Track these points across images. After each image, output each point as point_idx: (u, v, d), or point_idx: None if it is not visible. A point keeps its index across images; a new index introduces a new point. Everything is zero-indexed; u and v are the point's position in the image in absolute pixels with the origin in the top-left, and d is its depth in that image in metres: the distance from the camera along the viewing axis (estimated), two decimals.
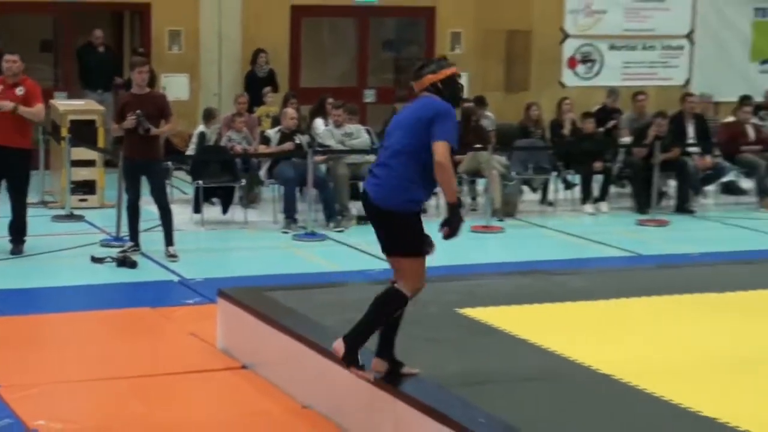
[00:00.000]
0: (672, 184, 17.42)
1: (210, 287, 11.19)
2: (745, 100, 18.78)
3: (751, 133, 17.87)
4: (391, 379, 7.67)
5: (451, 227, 7.65)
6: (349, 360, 7.78)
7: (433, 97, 7.72)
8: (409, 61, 21.67)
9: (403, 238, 7.76)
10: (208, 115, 17.00)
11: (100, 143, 16.44)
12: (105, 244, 13.93)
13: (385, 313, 7.80)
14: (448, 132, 7.55)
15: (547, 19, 21.50)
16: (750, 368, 8.34)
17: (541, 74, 21.47)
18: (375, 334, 7.86)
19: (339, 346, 7.80)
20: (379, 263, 12.98)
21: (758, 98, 19.94)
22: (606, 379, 7.95)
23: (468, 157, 16.45)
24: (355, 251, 13.94)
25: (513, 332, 8.98)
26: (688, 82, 21.71)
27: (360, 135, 16.36)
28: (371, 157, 15.94)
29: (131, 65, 14.30)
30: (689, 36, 22.27)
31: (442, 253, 14.24)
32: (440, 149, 7.49)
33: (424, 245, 7.79)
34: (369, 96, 20.80)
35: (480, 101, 18.15)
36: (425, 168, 7.62)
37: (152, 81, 15.31)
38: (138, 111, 12.78)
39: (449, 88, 7.77)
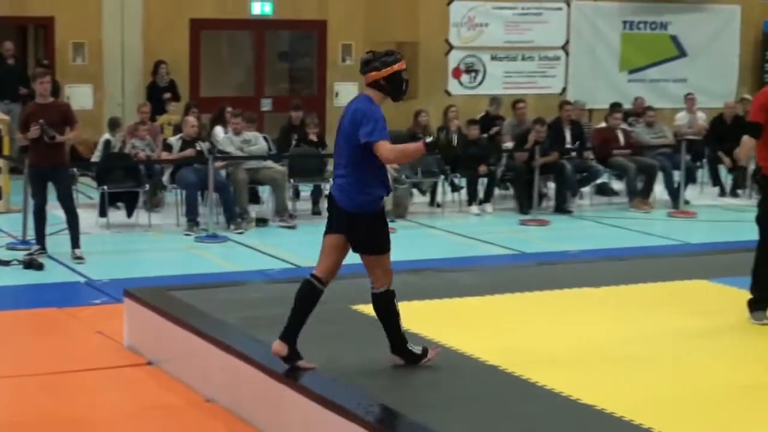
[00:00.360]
0: (551, 186, 17.56)
1: (116, 287, 11.07)
2: (615, 107, 18.97)
3: (621, 138, 18.06)
4: (290, 372, 7.64)
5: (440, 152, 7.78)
6: (415, 359, 8.00)
7: (369, 97, 7.80)
8: (303, 72, 21.70)
9: (368, 238, 7.85)
10: (113, 124, 16.85)
11: (6, 151, 16.22)
12: (11, 247, 13.72)
13: (391, 313, 8.01)
14: (376, 129, 7.59)
15: (433, 31, 21.58)
16: (623, 358, 8.42)
17: (428, 84, 21.53)
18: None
19: (394, 359, 8.01)
20: (278, 263, 12.96)
21: (627, 105, 20.19)
22: (493, 370, 7.97)
23: None
24: (255, 252, 13.88)
25: (405, 327, 8.97)
26: (564, 90, 21.92)
27: (258, 142, 16.35)
28: (269, 163, 15.97)
29: (33, 76, 14.13)
30: (565, 47, 22.49)
31: None
32: (381, 151, 7.57)
33: (387, 243, 7.92)
34: (266, 105, 20.75)
35: None
36: (375, 168, 7.75)
37: (56, 91, 15.15)
38: (41, 120, 12.59)
39: (392, 84, 7.81)
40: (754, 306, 9.31)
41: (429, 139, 7.86)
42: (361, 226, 7.80)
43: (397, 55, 7.91)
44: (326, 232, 7.99)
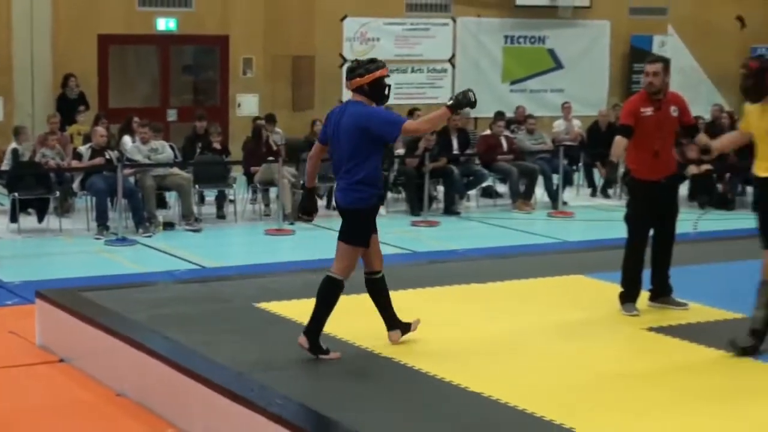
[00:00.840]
0: (440, 190, 17.62)
1: (28, 289, 10.86)
2: (498, 115, 19.10)
3: (504, 144, 18.19)
4: (198, 367, 7.57)
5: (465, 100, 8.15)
6: (315, 350, 7.96)
7: (361, 102, 7.99)
8: (207, 84, 21.56)
9: (349, 229, 8.11)
10: (17, 133, 16.53)
11: None
12: None
13: (324, 298, 8.08)
14: (391, 120, 7.94)
15: (328, 46, 21.57)
16: (509, 348, 8.48)
17: (323, 94, 21.51)
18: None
19: (302, 340, 7.98)
20: (184, 264, 12.84)
21: (509, 114, 20.32)
22: (388, 361, 7.98)
23: (262, 169, 16.39)
24: (162, 254, 13.73)
25: (305, 322, 8.94)
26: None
27: (164, 150, 16.22)
28: (175, 170, 15.84)
29: None
30: (451, 60, 22.58)
31: (241, 255, 14.21)
32: (411, 127, 8.06)
33: (364, 238, 8.14)
34: (171, 115, 20.59)
35: (270, 119, 18.07)
36: (372, 169, 8.00)
37: None
38: None
39: (374, 90, 8.00)
40: (625, 299, 9.46)
41: (450, 102, 8.05)
42: (350, 219, 8.08)
43: (379, 62, 8.12)
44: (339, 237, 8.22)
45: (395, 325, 8.41)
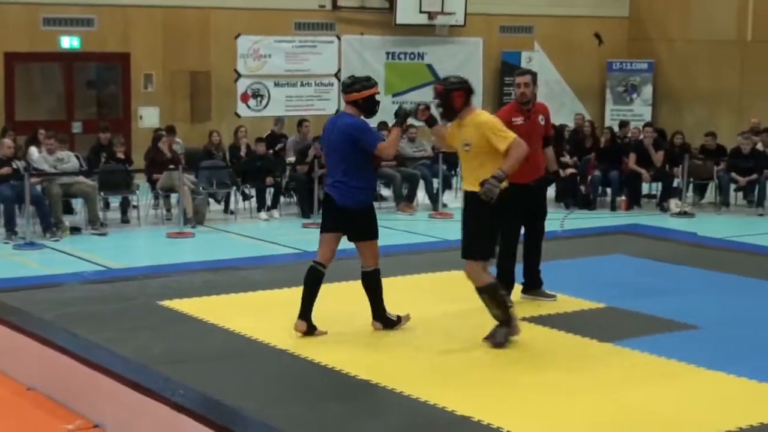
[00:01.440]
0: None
1: None
2: (382, 125, 19.09)
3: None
4: (105, 361, 7.49)
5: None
6: (392, 324, 8.65)
7: (351, 114, 8.45)
8: (110, 98, 21.28)
9: (363, 228, 8.49)
10: None
11: None
12: None
13: (377, 287, 8.63)
14: (373, 138, 8.39)
15: (223, 62, 21.45)
16: (396, 338, 8.53)
17: (219, 107, 21.41)
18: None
19: (377, 325, 8.67)
20: (91, 266, 12.65)
21: (392, 123, 20.30)
22: (285, 354, 7.97)
23: (163, 176, 16.26)
24: (70, 256, 13.53)
25: (206, 318, 8.92)
26: (337, 111, 21.93)
27: (70, 160, 16.01)
28: (81, 178, 15.64)
29: None
30: (337, 75, 22.58)
31: (144, 256, 14.02)
32: (383, 152, 8.43)
33: (377, 231, 8.61)
34: (76, 127, 20.25)
35: (170, 130, 17.92)
36: (367, 171, 8.47)
37: None
38: None
39: (367, 104, 8.47)
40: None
41: (395, 121, 8.64)
42: (359, 219, 8.42)
43: (372, 81, 8.62)
44: (323, 230, 8.66)
45: (377, 317, 8.72)
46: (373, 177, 8.69)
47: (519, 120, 9.42)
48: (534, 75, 9.77)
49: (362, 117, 8.51)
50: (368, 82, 8.55)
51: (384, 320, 8.68)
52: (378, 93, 8.61)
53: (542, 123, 9.57)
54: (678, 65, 24.78)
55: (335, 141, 8.41)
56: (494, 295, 8.30)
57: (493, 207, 8.19)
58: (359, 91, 8.47)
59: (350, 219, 8.43)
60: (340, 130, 8.37)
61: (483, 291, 8.33)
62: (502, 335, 8.27)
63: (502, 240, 9.57)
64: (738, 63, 23.77)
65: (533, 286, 9.77)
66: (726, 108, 23.77)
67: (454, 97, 8.40)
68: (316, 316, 8.45)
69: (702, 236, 13.71)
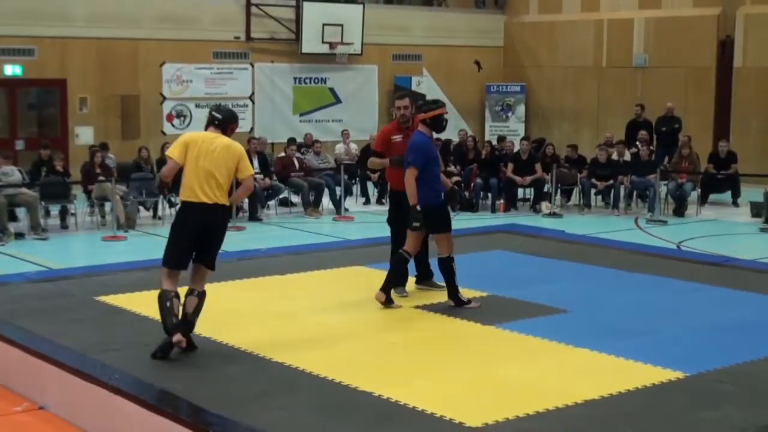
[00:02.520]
0: (246, 201, 17.46)
1: None
2: (291, 141, 19.14)
3: (296, 163, 18.19)
4: (48, 350, 7.37)
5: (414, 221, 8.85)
6: (461, 304, 8.95)
7: (419, 130, 8.89)
8: (49, 118, 20.87)
9: (436, 222, 8.96)
10: None
11: None
12: None
13: (451, 271, 8.98)
14: (414, 159, 8.75)
15: (150, 87, 21.21)
16: (310, 324, 8.50)
17: (147, 126, 21.16)
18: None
19: (452, 302, 9.02)
20: (34, 267, 12.38)
21: (300, 139, 20.30)
22: (207, 340, 7.90)
23: (97, 187, 16.03)
24: (15, 259, 13.20)
25: (138, 311, 8.82)
26: (252, 129, 21.87)
27: (14, 173, 15.74)
28: (24, 189, 15.39)
29: None
30: (251, 97, 22.46)
31: (82, 258, 13.77)
32: (407, 173, 8.78)
33: (449, 224, 9.06)
34: (20, 145, 19.81)
35: (104, 146, 17.72)
36: (432, 175, 8.86)
37: None
38: None
39: (435, 123, 8.86)
40: (396, 283, 9.55)
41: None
42: (432, 215, 8.82)
43: (440, 102, 9.03)
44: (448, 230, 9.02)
45: (450, 295, 9.08)
46: (433, 184, 8.88)
47: (398, 138, 9.47)
48: (412, 97, 9.90)
49: (432, 133, 8.95)
50: (435, 105, 8.94)
51: (456, 299, 8.98)
52: (446, 113, 8.92)
53: None
54: (546, 87, 25.14)
55: (409, 149, 8.88)
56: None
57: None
58: (427, 112, 8.85)
59: (425, 215, 8.81)
60: (410, 142, 8.94)
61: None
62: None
63: (391, 240, 9.63)
64: (595, 85, 24.19)
65: (424, 278, 9.82)
66: (586, 124, 24.20)
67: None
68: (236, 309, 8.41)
69: (569, 233, 13.91)
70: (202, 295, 7.57)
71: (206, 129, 7.89)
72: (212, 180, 7.54)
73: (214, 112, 7.99)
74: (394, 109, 9.65)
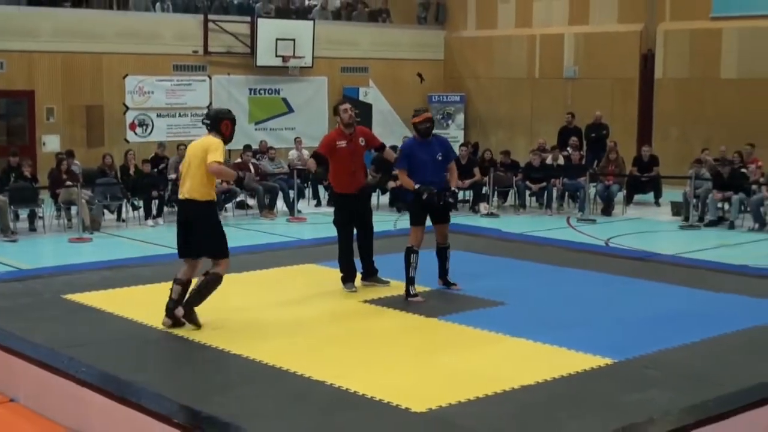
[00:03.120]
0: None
1: None
2: (247, 148, 19.02)
3: (252, 169, 18.08)
4: (18, 346, 7.25)
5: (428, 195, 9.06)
6: (449, 286, 9.44)
7: (410, 136, 9.44)
8: (18, 128, 20.55)
9: (446, 213, 9.51)
10: None
11: None
12: None
13: (445, 257, 9.53)
14: (398, 164, 9.24)
15: (114, 97, 20.99)
16: (264, 319, 8.45)
17: (111, 134, 20.93)
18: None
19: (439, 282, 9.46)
20: (4, 267, 12.19)
21: (255, 146, 20.16)
22: (169, 335, 7.82)
23: (64, 192, 15.84)
24: None
25: (103, 308, 8.70)
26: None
27: None
28: None
29: None
30: (209, 107, 22.27)
31: (50, 258, 13.55)
32: (398, 174, 9.21)
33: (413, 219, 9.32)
34: None
35: (70, 153, 17.53)
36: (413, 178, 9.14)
37: None
38: None
39: (419, 127, 9.21)
40: (345, 280, 9.56)
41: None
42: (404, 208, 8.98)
43: (422, 110, 9.38)
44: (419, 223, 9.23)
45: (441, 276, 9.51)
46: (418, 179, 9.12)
47: (342, 143, 9.45)
48: (351, 102, 9.95)
49: (417, 138, 9.27)
50: (417, 112, 9.31)
51: (446, 282, 9.43)
52: (424, 120, 9.18)
53: (363, 144, 9.61)
54: (484, 97, 25.25)
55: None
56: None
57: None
58: (413, 118, 9.30)
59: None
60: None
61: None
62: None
63: (339, 239, 9.61)
64: (529, 95, 24.35)
65: (370, 274, 9.80)
66: (521, 131, 24.34)
67: None
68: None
69: (505, 232, 13.96)
70: (178, 282, 8.03)
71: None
72: (187, 177, 7.90)
73: (203, 119, 8.17)
74: (339, 115, 9.54)
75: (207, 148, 7.77)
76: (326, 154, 9.50)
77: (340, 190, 9.51)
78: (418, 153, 9.19)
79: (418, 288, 9.25)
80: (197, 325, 7.84)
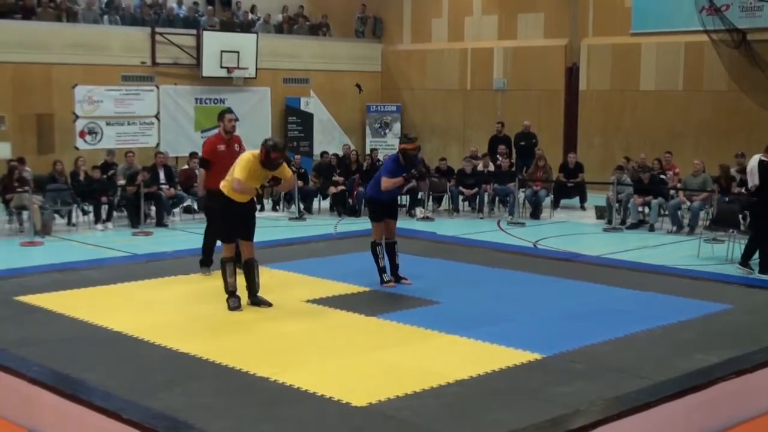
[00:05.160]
0: (153, 209, 17.17)
1: None
2: (193, 155, 18.76)
3: (198, 173, 17.87)
4: None
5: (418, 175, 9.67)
6: (399, 280, 9.66)
7: (393, 155, 9.59)
8: None
9: (371, 211, 9.78)
10: None
11: None
12: None
13: (393, 254, 9.70)
14: (386, 171, 9.46)
15: (64, 106, 20.64)
16: (205, 318, 8.34)
17: (62, 142, 20.56)
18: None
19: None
20: None
21: (200, 153, 19.97)
22: (119, 335, 7.71)
23: (15, 197, 15.55)
24: None
25: (54, 309, 8.55)
26: (158, 144, 21.45)
27: None
28: None
29: None
30: (157, 116, 22.05)
31: (1, 262, 13.29)
32: (384, 181, 9.42)
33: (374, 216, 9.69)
34: None
35: (21, 160, 17.19)
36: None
37: None
38: None
39: (410, 153, 9.45)
40: (201, 263, 10.12)
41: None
42: (371, 205, 9.72)
43: (412, 138, 9.61)
44: (380, 220, 9.56)
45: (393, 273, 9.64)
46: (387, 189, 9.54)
47: (222, 147, 9.91)
48: (233, 113, 10.33)
49: (401, 160, 9.49)
50: (406, 139, 9.59)
51: (397, 277, 9.61)
52: (412, 148, 9.40)
53: (237, 149, 9.86)
54: (419, 107, 25.35)
55: (381, 167, 9.72)
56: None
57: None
58: (401, 143, 9.64)
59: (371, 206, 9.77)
60: (384, 163, 9.76)
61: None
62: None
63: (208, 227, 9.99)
64: (461, 105, 24.49)
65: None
66: (454, 139, 24.48)
67: None
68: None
69: (440, 235, 14.03)
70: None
71: None
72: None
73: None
74: (224, 122, 9.94)
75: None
76: (210, 158, 9.84)
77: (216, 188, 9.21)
78: (397, 172, 9.53)
79: (355, 288, 9.24)
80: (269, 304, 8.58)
